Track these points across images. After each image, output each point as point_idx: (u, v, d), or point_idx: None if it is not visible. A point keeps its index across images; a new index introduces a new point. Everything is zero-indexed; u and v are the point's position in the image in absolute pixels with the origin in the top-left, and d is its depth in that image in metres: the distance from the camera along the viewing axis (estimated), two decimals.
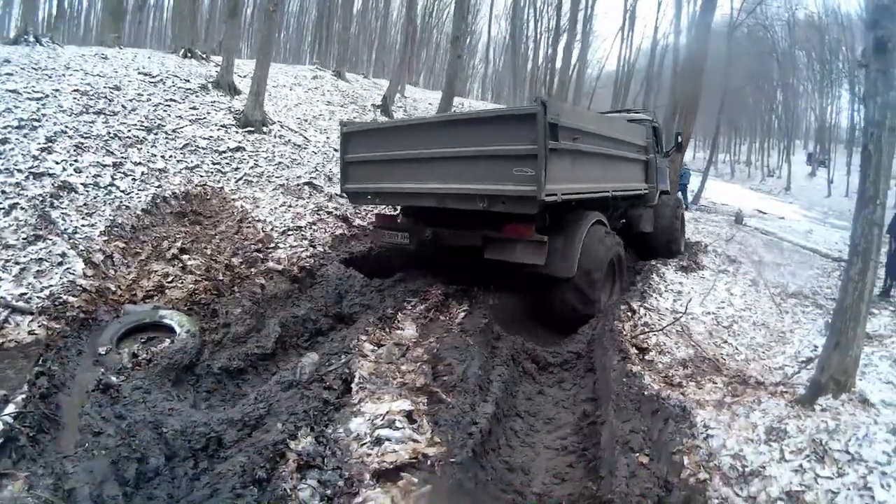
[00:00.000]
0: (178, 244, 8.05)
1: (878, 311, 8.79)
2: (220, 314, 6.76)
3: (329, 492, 3.50)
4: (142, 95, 11.92)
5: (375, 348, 5.68)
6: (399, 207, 9.32)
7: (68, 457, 3.70)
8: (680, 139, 14.22)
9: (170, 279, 7.34)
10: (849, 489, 3.40)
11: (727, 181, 53.48)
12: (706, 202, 29.92)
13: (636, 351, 6.34)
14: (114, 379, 4.85)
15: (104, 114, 10.43)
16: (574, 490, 4.06)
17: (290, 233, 9.83)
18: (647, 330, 7.08)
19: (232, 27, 16.43)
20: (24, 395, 4.21)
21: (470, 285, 8.02)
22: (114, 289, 6.79)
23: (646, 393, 5.08)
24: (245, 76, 16.16)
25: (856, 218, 4.89)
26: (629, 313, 7.62)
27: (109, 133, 9.88)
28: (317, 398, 4.54)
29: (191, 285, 7.31)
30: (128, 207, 8.33)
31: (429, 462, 3.80)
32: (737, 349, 7.20)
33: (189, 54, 16.77)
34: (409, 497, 3.48)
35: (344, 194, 9.15)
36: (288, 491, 3.44)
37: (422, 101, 27.16)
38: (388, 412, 4.28)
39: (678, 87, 21.72)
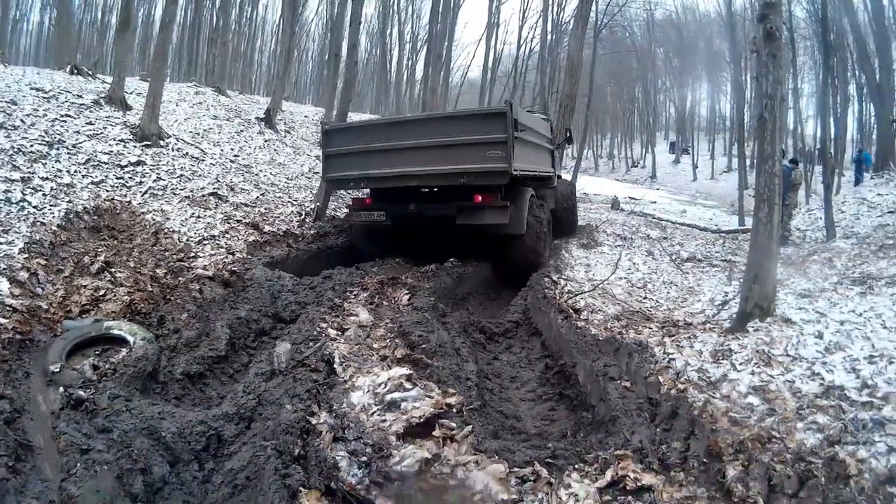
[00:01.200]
0: (101, 258, 7.67)
1: None
2: (167, 320, 6.57)
3: (364, 458, 3.57)
4: (38, 111, 11.40)
5: (339, 333, 5.78)
6: (370, 192, 10.91)
7: (67, 479, 3.38)
8: (569, 133, 16.48)
9: (102, 292, 6.98)
10: (801, 378, 4.16)
11: (592, 175, 55.46)
12: (580, 194, 30.90)
13: (573, 312, 7.00)
14: (83, 393, 4.53)
15: (5, 128, 9.99)
16: (565, 426, 4.55)
17: (205, 242, 9.63)
18: (573, 294, 7.94)
19: (123, 41, 15.84)
20: None
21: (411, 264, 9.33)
22: (45, 307, 6.34)
23: (601, 338, 5.78)
24: (132, 92, 15.58)
25: (758, 172, 6.08)
26: (552, 284, 8.52)
27: (13, 147, 9.47)
28: (307, 380, 4.56)
29: (125, 297, 6.98)
30: (43, 224, 7.92)
31: (454, 410, 4.04)
32: (657, 302, 8.21)
33: (76, 71, 15.95)
34: (451, 443, 3.66)
35: (326, 182, 11.28)
36: (332, 462, 3.49)
37: (298, 115, 26.77)
38: (388, 379, 4.43)
39: (560, 87, 23.09)
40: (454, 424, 3.85)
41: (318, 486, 3.23)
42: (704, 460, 3.45)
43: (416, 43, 53.52)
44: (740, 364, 4.60)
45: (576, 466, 3.40)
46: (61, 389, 4.61)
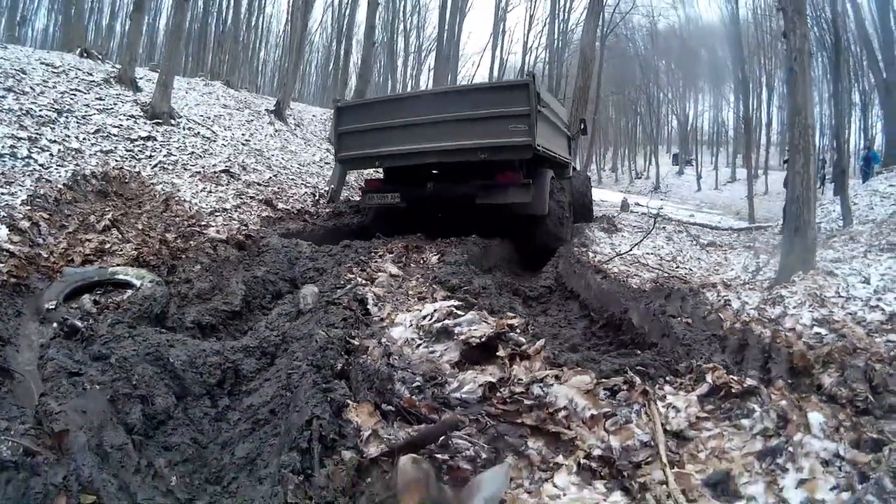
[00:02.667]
0: (109, 216, 7.35)
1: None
2: (178, 271, 6.15)
3: (416, 384, 3.11)
4: (47, 82, 11.24)
5: (369, 281, 5.43)
6: (384, 173, 10.55)
7: (46, 395, 2.75)
8: (583, 125, 15.69)
9: (108, 245, 6.62)
10: (862, 310, 4.21)
11: (596, 187, 55.22)
12: None
13: (611, 275, 6.96)
14: (79, 323, 4.05)
15: (14, 91, 9.88)
16: (627, 359, 3.91)
17: (217, 214, 9.44)
18: (607, 260, 8.11)
19: (137, 22, 15.57)
20: None
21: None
22: (46, 255, 6.00)
23: (647, 287, 5.84)
24: (142, 78, 15.26)
25: (790, 125, 6.24)
26: (584, 254, 8.66)
27: (21, 109, 9.34)
28: (341, 315, 4.15)
29: (132, 251, 6.58)
30: (48, 181, 7.67)
31: (518, 330, 3.60)
32: (691, 270, 8.16)
33: (86, 54, 15.64)
34: (521, 361, 3.20)
35: (338, 162, 11.04)
36: (386, 374, 3.06)
37: (306, 114, 26.56)
38: (435, 311, 3.96)
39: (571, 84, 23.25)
40: (523, 339, 3.44)
41: (368, 401, 2.76)
42: (790, 380, 3.33)
43: (420, 53, 54.25)
44: (795, 306, 4.62)
45: (667, 378, 3.04)
46: (54, 325, 4.12)
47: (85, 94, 11.77)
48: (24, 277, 5.34)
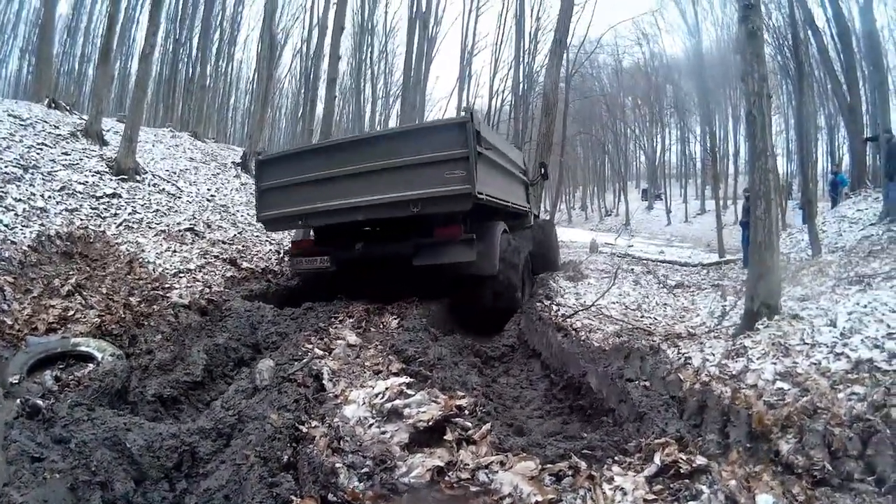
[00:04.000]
0: (73, 281, 7.35)
1: None
2: (139, 341, 6.21)
3: (364, 470, 3.14)
4: (14, 135, 11.25)
5: (327, 352, 5.40)
6: (313, 233, 9.25)
7: (8, 485, 2.78)
8: (544, 170, 15.36)
9: (71, 313, 6.63)
10: (826, 359, 4.12)
11: (566, 226, 55.66)
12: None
13: (572, 331, 6.79)
14: (40, 402, 4.00)
15: None
16: (575, 434, 4.08)
17: (181, 275, 9.32)
18: (569, 315, 7.68)
19: (103, 73, 15.54)
20: None
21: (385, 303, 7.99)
22: (10, 322, 6.02)
23: (607, 348, 5.70)
24: (109, 130, 15.23)
25: (751, 169, 6.21)
26: (546, 308, 8.25)
27: None
28: (294, 394, 4.13)
29: (95, 319, 6.61)
30: (13, 242, 7.65)
31: (466, 412, 3.70)
32: (655, 320, 8.01)
33: (54, 105, 15.63)
34: (468, 446, 3.29)
35: (260, 223, 9.53)
36: (329, 468, 3.07)
37: None
38: (387, 389, 4.01)
39: (536, 127, 23.37)
40: (469, 424, 3.49)
41: (314, 496, 2.80)
42: (749, 444, 3.31)
43: (388, 98, 54.48)
44: (758, 357, 4.53)
45: (615, 458, 3.08)
46: (18, 401, 4.06)
47: (51, 148, 11.75)
48: None
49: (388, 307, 7.72)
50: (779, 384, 3.87)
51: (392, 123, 50.58)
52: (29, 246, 7.76)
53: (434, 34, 40.47)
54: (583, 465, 2.93)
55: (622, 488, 2.69)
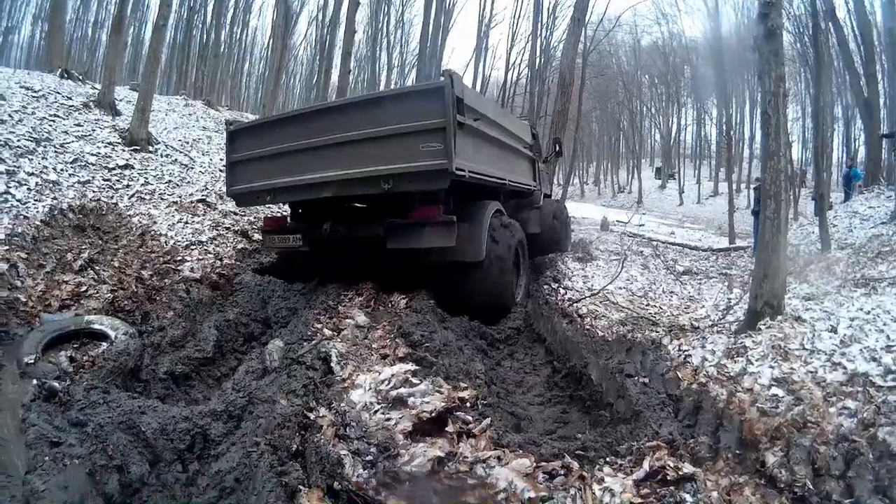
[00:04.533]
0: (85, 255, 7.47)
1: None
2: (151, 317, 6.30)
3: (369, 458, 3.28)
4: (26, 108, 11.28)
5: (335, 332, 5.52)
6: (288, 208, 8.92)
7: (31, 472, 2.90)
8: (558, 147, 14.69)
9: (84, 289, 6.74)
10: (822, 368, 4.15)
11: (578, 201, 55.50)
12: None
13: (577, 317, 6.97)
14: (57, 385, 4.08)
15: None
16: (582, 426, 4.27)
17: (192, 247, 9.40)
18: (576, 303, 7.72)
19: (116, 43, 15.65)
20: None
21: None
22: (24, 299, 6.13)
23: (609, 339, 5.81)
24: (122, 100, 15.38)
25: (764, 168, 6.04)
26: (553, 292, 8.38)
27: (0, 140, 9.33)
28: (303, 377, 4.26)
29: (108, 294, 6.74)
30: (26, 217, 7.72)
31: (468, 404, 3.80)
32: (661, 309, 7.97)
33: (66, 75, 15.76)
34: (468, 439, 3.42)
35: (230, 198, 8.77)
36: (336, 458, 3.17)
37: None
38: (393, 375, 4.14)
39: (552, 105, 23.15)
40: (470, 418, 3.60)
41: (320, 485, 2.92)
42: (738, 451, 3.37)
43: (404, 67, 54.30)
44: (757, 359, 4.57)
45: (607, 459, 3.18)
46: (34, 381, 4.17)
47: (64, 119, 11.85)
48: (4, 324, 5.53)
49: (398, 283, 7.49)
50: (774, 390, 3.94)
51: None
52: (42, 220, 7.85)
53: (451, 5, 40.36)
54: (575, 465, 3.04)
55: (611, 489, 2.80)
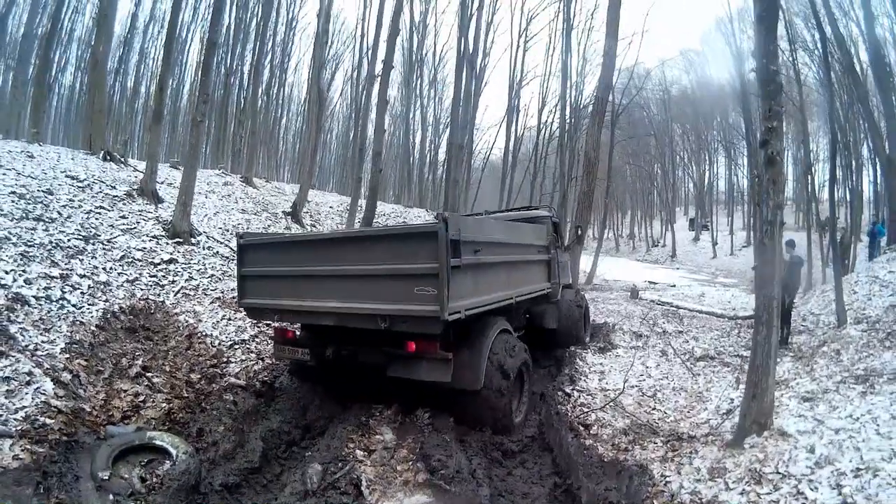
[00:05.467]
0: (139, 362, 8.20)
1: (780, 359, 10.25)
2: (205, 433, 7.06)
3: None
4: (73, 201, 12.06)
5: (367, 453, 6.26)
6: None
7: None
8: (580, 231, 15.50)
9: (142, 398, 7.49)
10: (786, 497, 4.67)
11: (613, 256, 55.79)
12: (599, 280, 31.75)
13: (582, 428, 7.54)
14: None
15: (43, 220, 10.55)
16: None
17: (236, 346, 10.04)
18: (586, 410, 8.31)
19: (156, 133, 16.60)
20: None
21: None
22: (88, 409, 6.82)
23: (605, 459, 6.42)
24: (162, 182, 16.52)
25: (757, 296, 6.47)
26: (566, 398, 8.86)
27: (51, 242, 9.95)
28: (339, 502, 5.08)
29: (164, 404, 7.49)
30: (82, 323, 8.31)
31: None
32: (665, 413, 8.40)
33: (108, 157, 16.99)
34: None
35: (241, 308, 9.07)
36: None
37: (324, 205, 28.28)
38: None
39: (574, 186, 23.48)
40: None
41: None
42: None
43: (438, 126, 55.27)
44: (733, 482, 5.15)
45: None
46: (111, 497, 5.09)
47: (109, 211, 12.63)
48: (73, 433, 6.22)
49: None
50: None
51: (441, 154, 51.56)
52: (97, 325, 8.54)
53: (483, 66, 41.20)
54: None
55: None
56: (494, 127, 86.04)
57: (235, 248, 8.64)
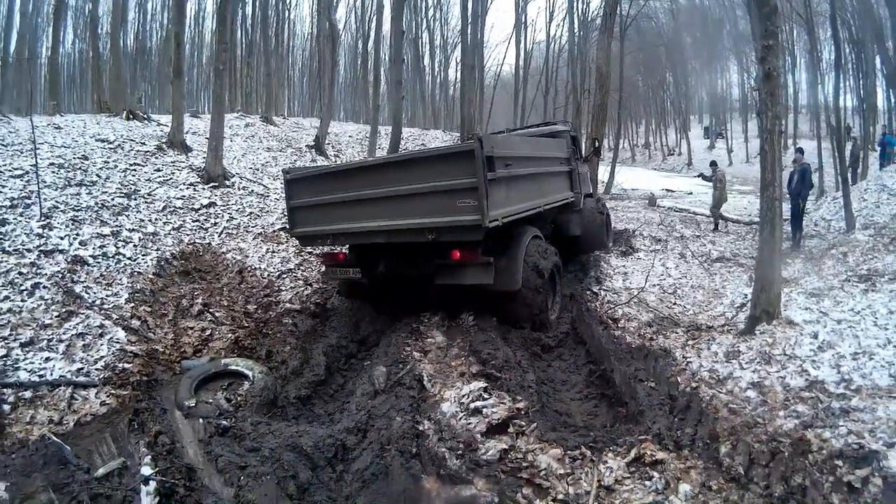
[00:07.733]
0: (199, 301, 8.90)
1: (792, 260, 11.22)
2: (273, 354, 7.89)
3: (459, 451, 4.83)
4: (108, 162, 12.58)
5: (422, 354, 7.03)
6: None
7: (242, 487, 4.48)
8: (597, 143, 15.76)
9: (207, 332, 8.21)
10: (791, 374, 5.34)
11: (630, 165, 55.35)
12: (618, 189, 32.04)
13: (611, 322, 8.37)
14: (225, 423, 5.61)
15: (85, 185, 11.08)
16: (605, 419, 5.90)
17: (284, 276, 10.72)
18: (613, 306, 9.09)
19: (178, 87, 16.92)
20: (150, 456, 4.84)
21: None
22: (161, 349, 7.49)
23: (633, 346, 7.23)
24: (188, 132, 17.02)
25: (762, 197, 7.05)
26: (594, 297, 9.72)
27: (97, 203, 10.49)
28: (406, 397, 5.78)
29: (229, 335, 8.20)
30: (140, 273, 8.98)
31: (523, 412, 5.36)
32: (685, 307, 9.11)
33: (132, 115, 17.66)
34: (522, 436, 5.01)
35: (293, 238, 10.10)
36: (441, 455, 4.77)
37: (343, 135, 28.57)
38: (470, 391, 5.71)
39: (591, 91, 23.54)
40: (524, 423, 5.14)
41: (433, 473, 4.56)
42: (707, 441, 4.72)
43: (446, 47, 55.31)
44: (745, 363, 5.84)
45: (610, 448, 4.68)
46: (200, 420, 5.69)
47: (144, 166, 13.17)
48: (151, 373, 6.92)
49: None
50: (748, 392, 5.23)
51: (451, 72, 51.97)
52: (153, 273, 9.20)
53: None
54: (588, 453, 4.62)
55: (610, 467, 4.39)
56: (503, 44, 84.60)
57: (283, 184, 9.13)
